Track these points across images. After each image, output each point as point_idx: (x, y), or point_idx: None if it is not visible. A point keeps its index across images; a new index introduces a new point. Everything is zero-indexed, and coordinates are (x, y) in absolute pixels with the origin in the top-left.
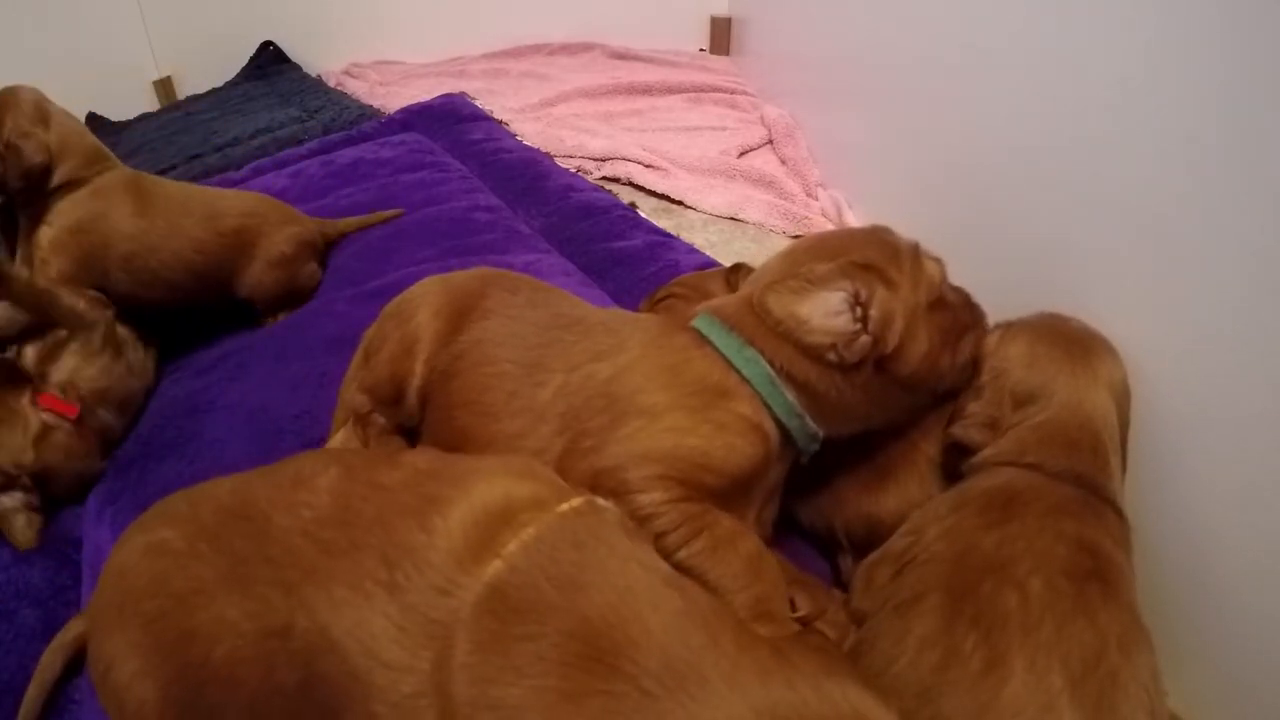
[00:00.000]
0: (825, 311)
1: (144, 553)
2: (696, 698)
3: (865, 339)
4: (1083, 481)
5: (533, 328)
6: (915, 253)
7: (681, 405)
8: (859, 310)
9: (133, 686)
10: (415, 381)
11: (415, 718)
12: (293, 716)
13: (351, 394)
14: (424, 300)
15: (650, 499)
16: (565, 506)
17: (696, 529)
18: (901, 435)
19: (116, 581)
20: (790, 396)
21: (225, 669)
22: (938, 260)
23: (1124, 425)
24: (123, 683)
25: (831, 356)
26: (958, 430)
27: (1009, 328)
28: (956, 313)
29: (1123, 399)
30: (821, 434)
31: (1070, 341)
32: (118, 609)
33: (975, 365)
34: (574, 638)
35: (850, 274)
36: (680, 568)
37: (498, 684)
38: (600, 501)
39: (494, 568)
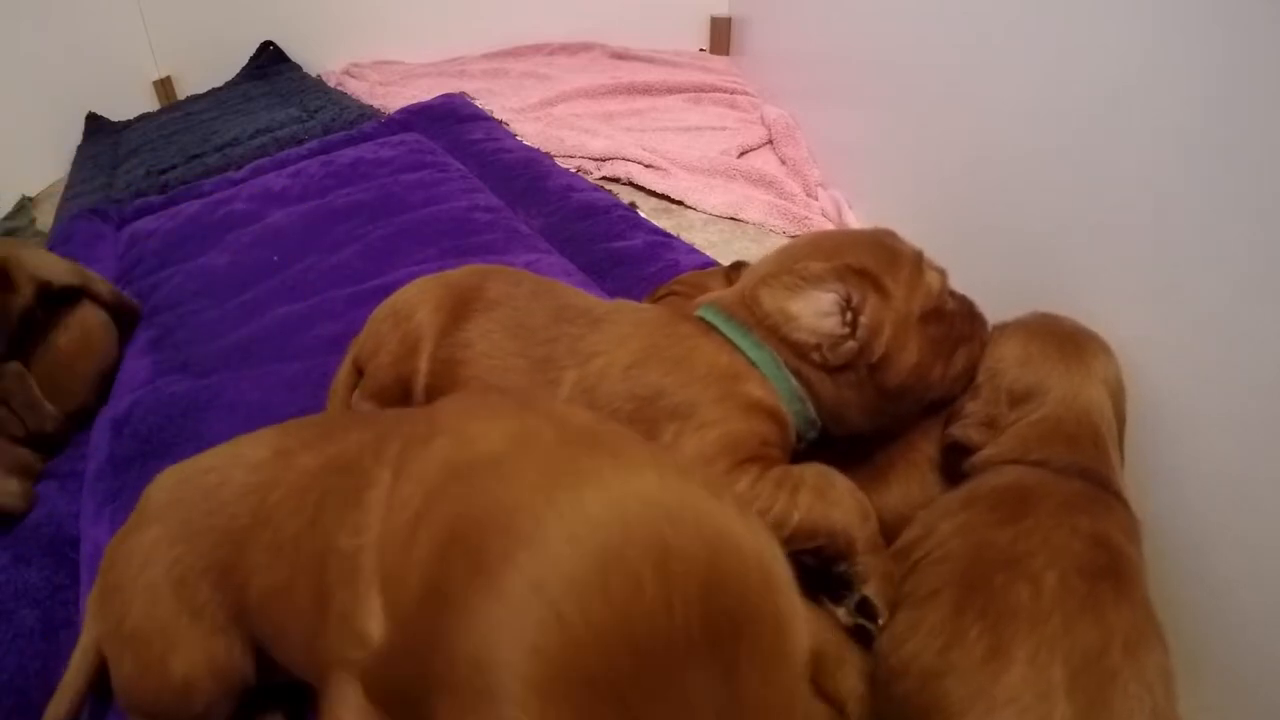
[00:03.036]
0: (816, 311)
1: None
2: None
3: (851, 344)
4: (1089, 475)
5: (540, 319)
6: (916, 261)
7: (703, 398)
8: (849, 315)
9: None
10: (421, 379)
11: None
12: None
13: (342, 402)
14: (422, 299)
15: (741, 488)
16: None
17: (794, 488)
18: (901, 435)
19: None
20: (794, 382)
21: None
22: (940, 270)
23: (1120, 421)
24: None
25: (815, 357)
26: (956, 430)
27: (1003, 328)
28: (953, 324)
29: (1118, 395)
30: (819, 423)
31: (1063, 339)
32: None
33: (971, 376)
34: None
35: (844, 277)
36: (803, 531)
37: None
38: None
39: None
